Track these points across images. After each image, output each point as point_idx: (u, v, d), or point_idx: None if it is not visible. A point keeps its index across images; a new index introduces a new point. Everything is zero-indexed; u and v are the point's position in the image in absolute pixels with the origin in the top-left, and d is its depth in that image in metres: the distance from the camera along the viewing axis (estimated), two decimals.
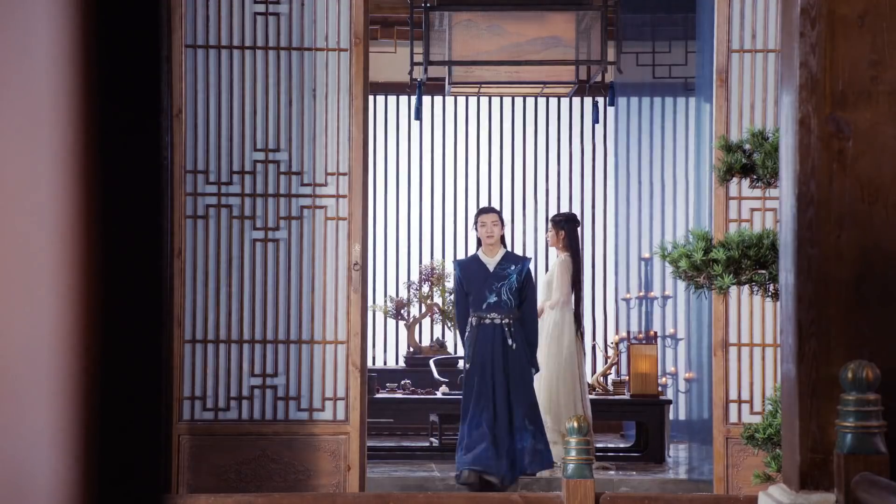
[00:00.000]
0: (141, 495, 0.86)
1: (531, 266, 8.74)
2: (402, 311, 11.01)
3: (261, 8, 6.85)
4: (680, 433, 10.30)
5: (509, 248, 8.83)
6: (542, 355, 8.96)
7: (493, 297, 8.34)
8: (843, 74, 3.86)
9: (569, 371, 9.02)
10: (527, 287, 8.46)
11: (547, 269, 10.04)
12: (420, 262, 11.76)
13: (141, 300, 0.86)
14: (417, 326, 11.03)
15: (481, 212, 8.73)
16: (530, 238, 11.89)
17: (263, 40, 6.84)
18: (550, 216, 9.85)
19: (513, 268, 8.43)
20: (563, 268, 9.11)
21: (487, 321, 8.33)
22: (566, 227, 9.16)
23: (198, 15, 6.81)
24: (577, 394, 9.02)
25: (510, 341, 8.30)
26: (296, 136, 6.82)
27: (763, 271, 5.17)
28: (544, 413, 8.83)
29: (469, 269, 8.54)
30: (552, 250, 10.03)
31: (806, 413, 3.79)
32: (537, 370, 8.50)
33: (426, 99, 11.20)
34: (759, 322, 6.81)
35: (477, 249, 8.66)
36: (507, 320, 8.32)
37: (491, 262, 8.48)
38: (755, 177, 5.28)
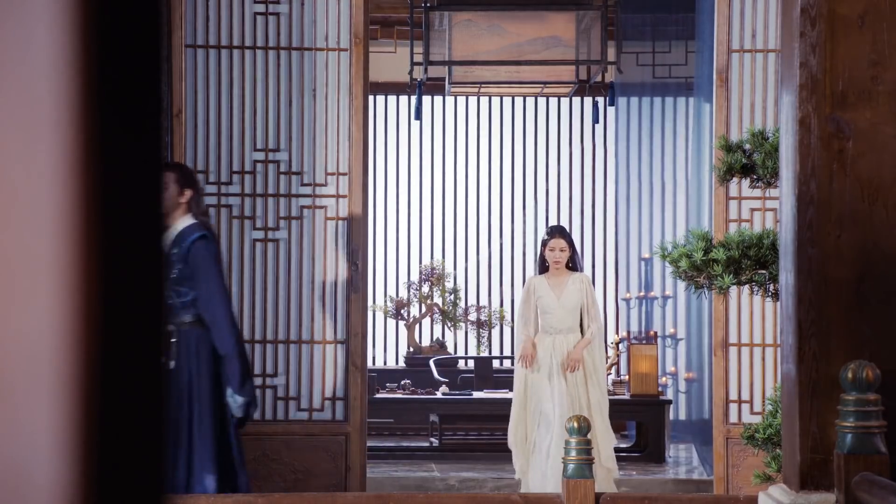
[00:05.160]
0: (141, 496, 0.86)
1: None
2: (402, 311, 11.01)
3: (261, 8, 6.84)
4: (680, 433, 10.30)
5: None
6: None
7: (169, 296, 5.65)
8: (843, 74, 3.86)
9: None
10: (192, 270, 5.65)
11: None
12: (420, 262, 11.75)
13: (141, 300, 0.86)
14: (417, 326, 11.03)
15: None
16: (530, 238, 11.88)
17: (263, 40, 6.84)
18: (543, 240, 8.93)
19: (175, 251, 5.62)
20: (590, 286, 8.79)
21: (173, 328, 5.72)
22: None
23: (198, 15, 6.80)
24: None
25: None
26: (296, 136, 6.82)
27: (763, 271, 5.17)
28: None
29: None
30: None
31: (806, 413, 3.79)
32: (248, 400, 5.76)
33: (426, 99, 11.20)
34: (759, 322, 6.81)
35: None
36: (173, 326, 5.64)
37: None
38: (755, 177, 5.28)
